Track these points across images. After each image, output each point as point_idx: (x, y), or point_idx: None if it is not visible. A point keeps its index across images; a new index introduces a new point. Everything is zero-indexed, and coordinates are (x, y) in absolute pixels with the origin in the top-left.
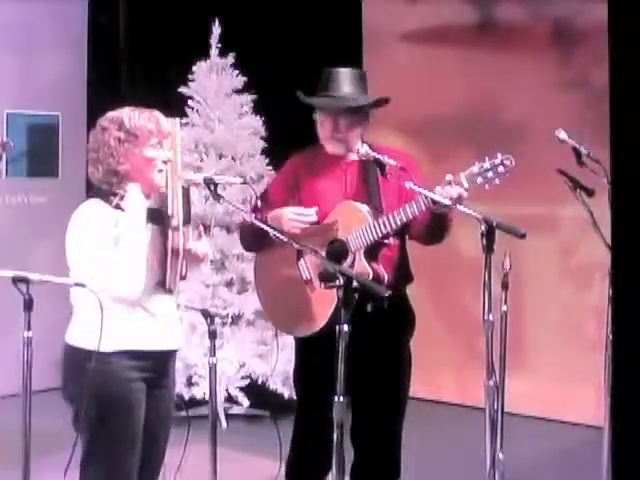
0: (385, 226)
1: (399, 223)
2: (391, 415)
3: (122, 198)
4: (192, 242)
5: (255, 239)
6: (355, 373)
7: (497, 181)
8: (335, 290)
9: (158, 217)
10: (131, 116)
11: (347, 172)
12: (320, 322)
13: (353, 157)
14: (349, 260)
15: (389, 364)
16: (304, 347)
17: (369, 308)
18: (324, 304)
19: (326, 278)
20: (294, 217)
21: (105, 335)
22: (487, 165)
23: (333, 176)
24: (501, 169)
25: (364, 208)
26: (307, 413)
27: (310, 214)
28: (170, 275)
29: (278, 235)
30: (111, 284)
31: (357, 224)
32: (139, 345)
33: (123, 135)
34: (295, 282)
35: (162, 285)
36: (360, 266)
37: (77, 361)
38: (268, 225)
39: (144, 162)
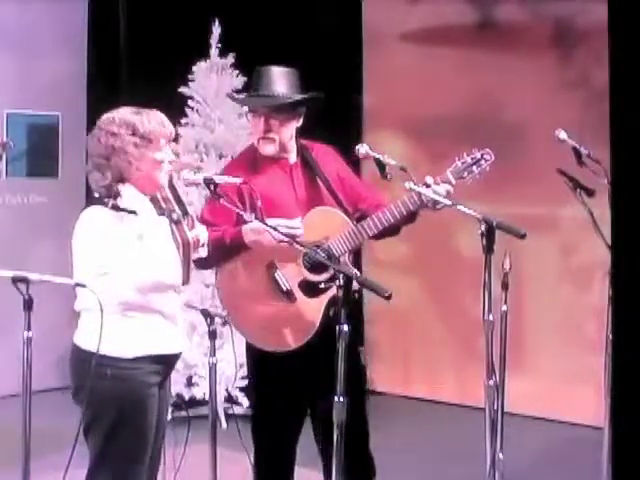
0: (371, 229)
1: (386, 224)
2: (359, 412)
3: (116, 198)
4: (188, 231)
5: (225, 252)
6: (319, 375)
7: (478, 176)
8: (319, 297)
9: (163, 212)
10: (142, 120)
11: (292, 175)
12: (309, 331)
13: (294, 159)
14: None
15: (351, 361)
16: (266, 361)
17: (331, 312)
18: (310, 313)
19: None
20: (285, 231)
21: (126, 341)
22: (469, 160)
23: (279, 181)
24: (483, 163)
25: (340, 213)
26: (271, 430)
27: (298, 227)
28: (184, 268)
29: (283, 238)
30: (152, 273)
31: (339, 231)
32: (159, 349)
33: (139, 140)
34: (270, 295)
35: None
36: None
37: (91, 365)
38: (269, 226)
39: (153, 165)
